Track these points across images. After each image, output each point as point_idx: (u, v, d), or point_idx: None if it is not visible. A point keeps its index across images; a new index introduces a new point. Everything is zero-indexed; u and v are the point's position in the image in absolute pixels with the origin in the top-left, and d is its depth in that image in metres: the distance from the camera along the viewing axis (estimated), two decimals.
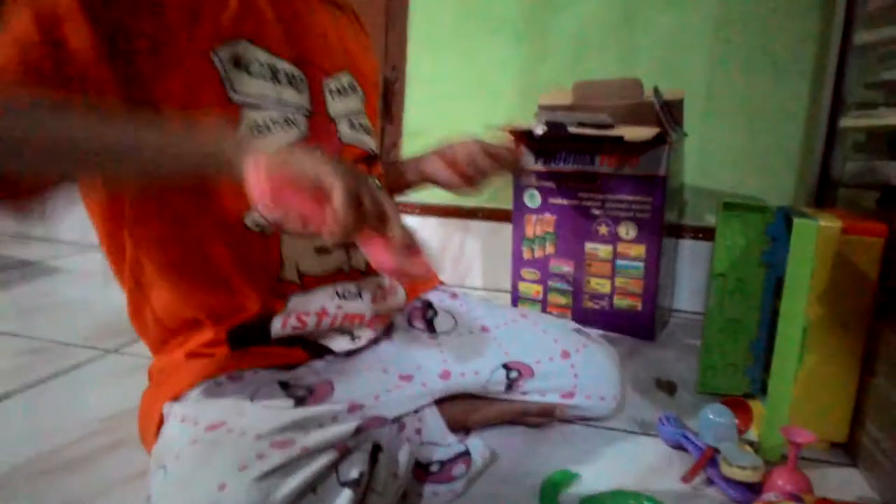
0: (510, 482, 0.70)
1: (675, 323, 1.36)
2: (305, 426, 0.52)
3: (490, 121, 1.33)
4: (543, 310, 1.31)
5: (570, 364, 0.80)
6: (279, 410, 0.56)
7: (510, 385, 0.78)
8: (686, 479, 0.70)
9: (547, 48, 1.46)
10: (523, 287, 1.33)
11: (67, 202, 0.51)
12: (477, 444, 0.71)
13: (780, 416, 0.75)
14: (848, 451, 0.79)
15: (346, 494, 0.49)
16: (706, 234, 1.40)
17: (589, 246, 1.25)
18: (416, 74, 1.57)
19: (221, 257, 0.63)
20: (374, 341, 0.77)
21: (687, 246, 1.42)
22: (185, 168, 0.51)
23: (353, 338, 0.73)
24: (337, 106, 0.73)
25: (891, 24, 0.97)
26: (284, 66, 0.66)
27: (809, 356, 0.75)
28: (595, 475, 0.71)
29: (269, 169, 0.46)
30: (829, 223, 0.74)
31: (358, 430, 0.55)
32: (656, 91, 1.14)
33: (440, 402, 0.75)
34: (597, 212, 1.23)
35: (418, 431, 0.68)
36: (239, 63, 0.62)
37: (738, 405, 0.82)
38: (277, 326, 0.66)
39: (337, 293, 0.71)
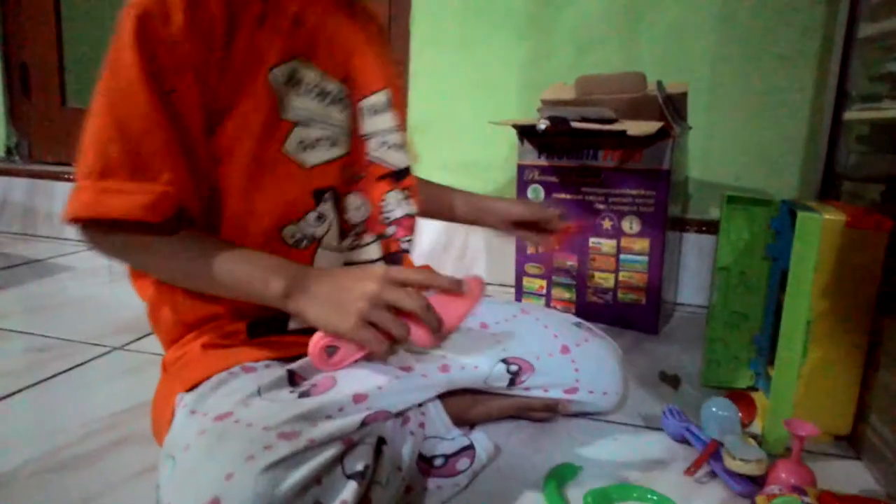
0: (514, 476, 0.70)
1: (679, 317, 1.36)
2: (312, 418, 0.53)
3: (493, 116, 1.33)
4: (547, 304, 1.31)
5: (571, 359, 0.80)
6: (286, 402, 0.56)
7: (512, 381, 0.78)
8: (690, 472, 0.71)
9: (550, 43, 1.46)
10: (527, 282, 1.33)
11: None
12: (481, 439, 0.72)
13: (783, 409, 0.75)
14: (852, 443, 0.79)
15: (351, 486, 0.49)
16: (710, 227, 1.40)
17: (593, 240, 1.25)
18: (419, 70, 1.57)
19: None
20: None
21: (691, 240, 1.42)
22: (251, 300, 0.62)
23: None
24: (370, 124, 0.74)
25: (895, 17, 0.96)
26: (333, 86, 0.68)
27: (813, 349, 0.75)
28: (599, 469, 0.72)
29: (319, 339, 0.60)
30: (832, 216, 0.74)
31: (363, 424, 0.55)
32: (660, 85, 1.13)
33: (443, 396, 0.75)
34: (600, 206, 1.23)
35: (422, 425, 0.68)
36: (292, 81, 0.64)
37: (742, 398, 0.82)
38: (296, 320, 0.67)
39: None
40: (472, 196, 0.97)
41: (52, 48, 1.99)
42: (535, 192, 1.27)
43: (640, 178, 1.17)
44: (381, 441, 0.56)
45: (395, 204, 0.77)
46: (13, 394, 0.87)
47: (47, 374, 0.94)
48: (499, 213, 0.94)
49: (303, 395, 0.59)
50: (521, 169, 1.28)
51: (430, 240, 1.50)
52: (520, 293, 1.34)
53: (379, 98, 0.75)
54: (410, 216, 0.80)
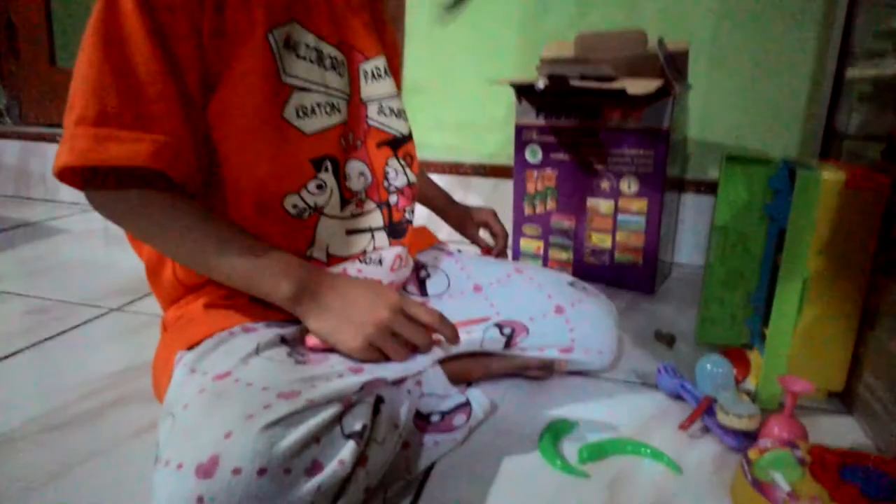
0: (510, 432, 0.71)
1: (676, 276, 1.36)
2: (311, 380, 0.53)
3: (491, 75, 1.31)
4: (544, 265, 1.32)
5: (565, 319, 0.80)
6: (286, 363, 0.57)
7: (508, 343, 0.78)
8: (683, 427, 0.72)
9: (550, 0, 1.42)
10: (524, 243, 1.33)
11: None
12: (477, 395, 0.72)
13: (778, 365, 0.76)
14: (844, 400, 0.80)
15: (350, 446, 0.50)
16: (708, 188, 1.39)
17: (590, 201, 1.24)
18: (415, 30, 1.53)
19: (252, 230, 0.64)
20: None
21: (689, 200, 1.41)
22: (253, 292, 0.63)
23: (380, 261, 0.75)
24: (369, 90, 0.73)
25: None
26: (329, 49, 0.67)
27: (809, 307, 0.76)
28: (594, 425, 0.73)
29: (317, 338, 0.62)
30: (832, 176, 0.74)
31: (362, 388, 0.55)
32: (660, 42, 1.11)
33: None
34: (599, 166, 1.22)
35: (419, 384, 0.69)
36: (289, 45, 0.63)
37: (737, 356, 0.83)
38: None
39: (359, 259, 0.73)
40: (434, 188, 1.07)
41: (40, 6, 1.94)
42: (534, 153, 1.26)
43: (638, 138, 1.16)
44: (378, 400, 0.57)
45: (396, 172, 0.77)
46: (13, 354, 0.88)
47: (46, 335, 0.95)
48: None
49: (299, 362, 0.59)
50: (519, 129, 1.26)
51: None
52: (517, 254, 1.34)
53: (377, 63, 0.74)
54: (411, 185, 0.79)
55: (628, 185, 1.20)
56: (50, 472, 0.62)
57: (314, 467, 0.47)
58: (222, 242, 0.60)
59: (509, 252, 1.34)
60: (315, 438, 0.48)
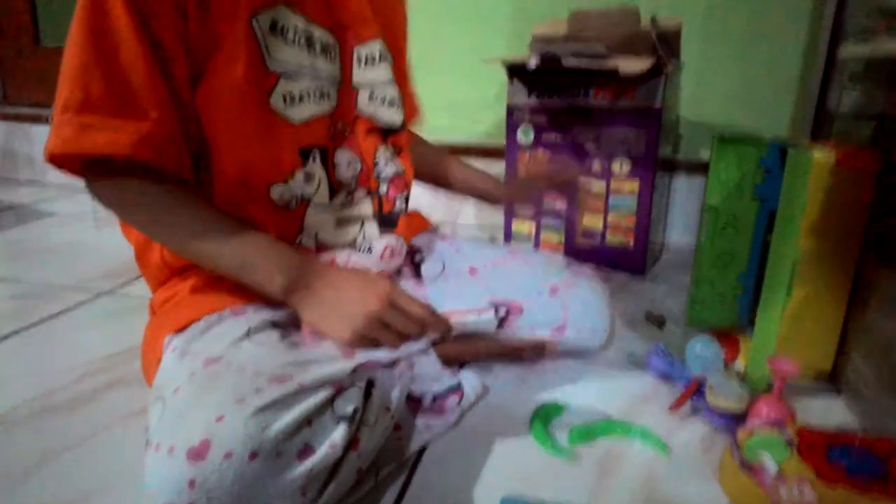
0: (502, 414, 0.71)
1: (667, 258, 1.37)
2: (302, 364, 0.53)
3: (482, 53, 1.30)
4: (536, 247, 1.32)
5: (560, 301, 0.80)
6: (277, 347, 0.57)
7: (501, 324, 0.78)
8: (673, 408, 0.72)
9: None
10: (516, 225, 1.33)
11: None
12: (470, 378, 0.73)
13: (767, 347, 0.77)
14: (832, 380, 0.81)
15: (341, 429, 0.50)
16: (700, 169, 1.39)
17: (582, 182, 1.24)
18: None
19: (240, 218, 0.63)
20: None
21: (681, 181, 1.41)
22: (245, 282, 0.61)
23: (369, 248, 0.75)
24: (361, 75, 0.71)
25: None
26: (320, 33, 0.65)
27: (798, 289, 0.76)
28: (585, 407, 0.73)
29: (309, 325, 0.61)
30: (822, 155, 0.73)
31: (354, 370, 0.55)
32: (653, 20, 1.10)
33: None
34: (590, 147, 1.21)
35: (411, 367, 0.69)
36: (276, 29, 0.61)
37: (726, 337, 0.83)
38: None
39: (349, 247, 0.73)
40: (469, 171, 0.96)
41: None
42: (525, 133, 1.25)
43: (630, 118, 1.15)
44: (370, 384, 0.57)
45: (385, 161, 0.76)
46: (2, 339, 0.87)
47: (36, 318, 0.94)
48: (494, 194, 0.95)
49: (292, 345, 0.59)
50: (511, 109, 1.25)
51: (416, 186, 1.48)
52: (509, 236, 1.34)
53: (372, 48, 0.71)
54: (400, 175, 0.78)
55: (620, 166, 1.19)
56: (42, 456, 0.62)
57: (306, 450, 0.47)
58: (216, 234, 0.60)
59: (500, 235, 1.34)
60: (307, 422, 0.48)
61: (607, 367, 0.84)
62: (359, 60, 0.70)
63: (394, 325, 0.60)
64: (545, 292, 0.81)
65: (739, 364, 0.83)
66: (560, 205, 1.27)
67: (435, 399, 0.68)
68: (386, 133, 0.75)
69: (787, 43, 1.30)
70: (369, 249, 0.74)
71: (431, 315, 0.63)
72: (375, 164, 0.74)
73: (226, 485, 0.44)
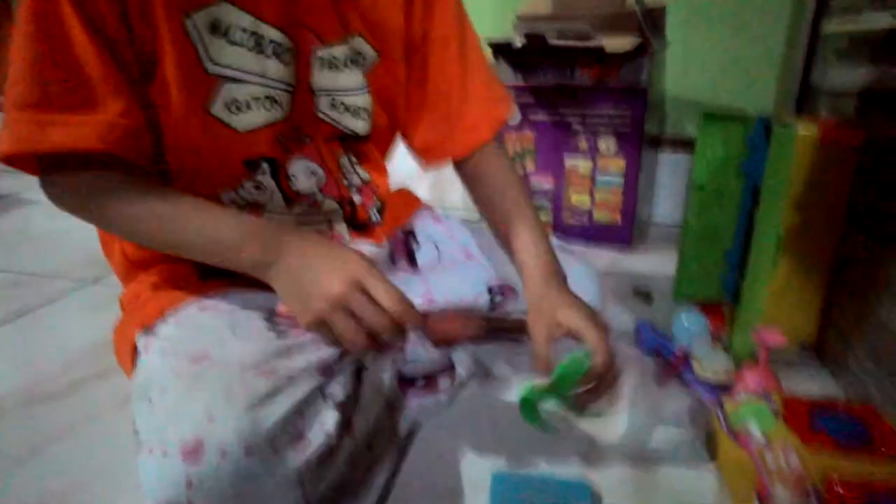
0: (493, 392, 0.72)
1: (654, 235, 1.38)
2: (288, 353, 0.52)
3: None
4: None
5: None
6: (262, 339, 0.55)
7: (494, 307, 0.78)
8: (660, 381, 0.73)
9: None
10: None
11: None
12: (461, 358, 0.73)
13: (752, 319, 0.78)
14: (816, 352, 0.82)
15: (333, 416, 0.50)
16: (686, 146, 1.40)
17: (569, 162, 1.24)
18: None
19: None
20: None
21: (667, 158, 1.42)
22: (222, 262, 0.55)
23: None
24: (322, 79, 0.63)
25: None
26: (271, 32, 0.58)
27: (783, 262, 0.77)
28: None
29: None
30: (807, 131, 0.74)
31: (342, 355, 0.55)
32: None
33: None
34: (577, 127, 1.21)
35: (402, 348, 0.69)
36: (217, 29, 0.54)
37: (713, 311, 0.84)
38: None
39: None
40: (523, 248, 0.67)
41: None
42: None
43: (616, 97, 1.16)
44: (360, 367, 0.57)
45: (348, 170, 0.69)
46: None
47: (23, 309, 0.93)
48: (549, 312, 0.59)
49: (277, 332, 0.58)
50: None
51: (403, 164, 1.48)
52: None
53: (336, 51, 0.63)
54: (367, 183, 0.72)
55: (606, 145, 1.19)
56: (32, 445, 0.62)
57: (300, 441, 0.47)
58: (183, 218, 0.54)
59: None
60: (298, 412, 0.48)
61: None
62: (320, 63, 0.62)
63: (359, 314, 0.49)
64: None
65: (725, 337, 0.84)
66: (547, 184, 1.27)
67: (427, 380, 0.69)
68: (346, 140, 0.68)
69: (772, 18, 1.31)
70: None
71: (405, 308, 0.51)
72: (343, 173, 0.68)
73: (223, 484, 0.43)
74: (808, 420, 0.60)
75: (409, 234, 0.84)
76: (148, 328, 0.58)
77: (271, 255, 0.53)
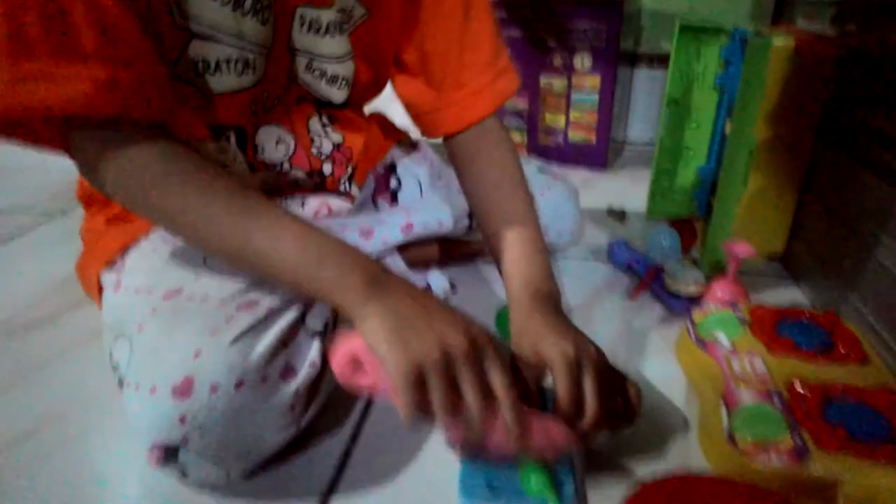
0: (468, 313, 0.73)
1: (629, 153, 1.38)
2: (265, 285, 0.51)
3: None
4: None
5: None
6: (235, 271, 0.53)
7: (471, 228, 0.78)
8: (632, 295, 0.75)
9: None
10: None
11: None
12: (438, 278, 0.74)
13: (723, 233, 0.79)
14: (784, 263, 0.84)
15: (315, 345, 0.50)
16: (661, 62, 1.37)
17: (544, 80, 1.22)
18: None
19: None
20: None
21: (642, 75, 1.40)
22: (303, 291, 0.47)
23: (302, 204, 0.68)
24: (301, 40, 0.58)
25: None
26: None
27: (755, 176, 0.77)
28: None
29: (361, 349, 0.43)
30: (781, 41, 0.73)
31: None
32: None
33: (401, 248, 0.74)
34: (551, 43, 1.18)
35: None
36: None
37: (685, 226, 0.86)
38: None
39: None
40: (514, 266, 0.59)
41: None
42: None
43: (591, 11, 1.12)
44: None
45: (319, 136, 0.65)
46: None
47: None
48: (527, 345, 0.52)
49: None
50: None
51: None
52: None
53: (323, 14, 0.57)
54: (339, 147, 0.67)
55: (581, 62, 1.17)
56: (10, 378, 0.62)
57: (288, 371, 0.48)
58: (276, 228, 0.45)
59: None
60: (283, 343, 0.48)
61: (571, 261, 0.86)
62: (301, 23, 0.57)
63: (462, 381, 0.42)
64: None
65: (697, 252, 0.85)
66: (522, 104, 1.25)
67: None
68: (320, 104, 0.64)
69: None
70: (302, 205, 0.66)
71: (511, 401, 0.43)
72: (312, 141, 0.64)
73: (216, 417, 0.43)
74: (773, 328, 0.62)
75: (391, 170, 0.81)
76: (110, 264, 0.57)
77: (378, 288, 0.45)
